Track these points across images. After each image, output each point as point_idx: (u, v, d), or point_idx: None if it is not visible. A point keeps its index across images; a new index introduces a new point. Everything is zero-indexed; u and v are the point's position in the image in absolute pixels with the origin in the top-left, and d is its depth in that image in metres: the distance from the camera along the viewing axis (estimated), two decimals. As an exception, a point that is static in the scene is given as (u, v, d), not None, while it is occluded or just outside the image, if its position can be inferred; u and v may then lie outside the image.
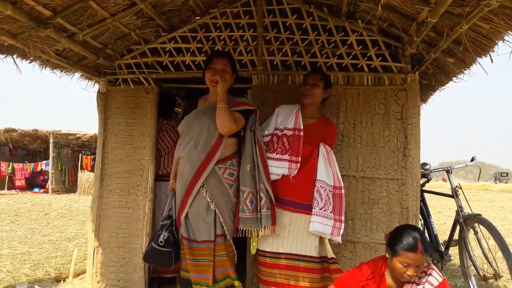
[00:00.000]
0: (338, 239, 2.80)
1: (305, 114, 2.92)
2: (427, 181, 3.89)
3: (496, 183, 36.10)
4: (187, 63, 3.47)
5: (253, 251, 2.84)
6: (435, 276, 2.23)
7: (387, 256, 2.22)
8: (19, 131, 17.47)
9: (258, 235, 2.70)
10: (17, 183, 17.96)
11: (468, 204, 3.38)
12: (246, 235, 2.65)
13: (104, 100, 3.61)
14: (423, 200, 3.87)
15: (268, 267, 2.80)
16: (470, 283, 3.31)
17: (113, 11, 2.80)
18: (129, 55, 3.52)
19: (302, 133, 2.85)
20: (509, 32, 2.25)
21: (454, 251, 3.77)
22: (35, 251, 5.49)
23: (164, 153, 3.74)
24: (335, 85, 3.23)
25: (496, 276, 3.04)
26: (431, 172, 3.81)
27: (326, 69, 3.28)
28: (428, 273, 2.24)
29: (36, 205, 11.93)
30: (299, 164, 2.80)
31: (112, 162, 3.57)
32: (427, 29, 2.49)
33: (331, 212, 2.77)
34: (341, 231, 2.80)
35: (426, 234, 3.99)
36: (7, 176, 17.91)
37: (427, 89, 3.89)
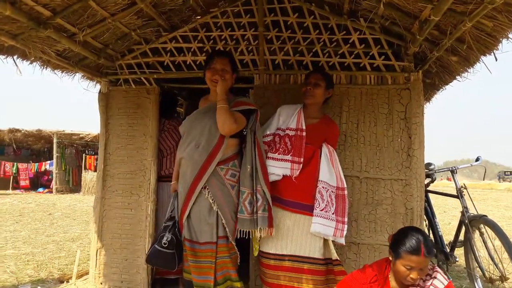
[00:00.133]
0: (342, 240, 2.76)
1: (307, 114, 2.89)
2: (432, 181, 3.85)
3: (500, 182, 35.89)
4: (188, 63, 3.45)
5: (255, 253, 2.81)
6: (440, 279, 2.19)
7: (390, 258, 2.19)
8: (23, 132, 17.56)
9: (260, 237, 2.67)
10: (22, 183, 18.03)
11: (474, 205, 3.34)
12: (247, 236, 2.62)
13: (105, 101, 3.60)
14: (427, 201, 3.83)
15: (272, 269, 2.77)
16: (476, 285, 3.28)
17: (113, 11, 2.78)
18: (130, 55, 3.51)
19: (304, 133, 2.82)
20: (514, 30, 2.21)
21: (459, 251, 3.73)
22: (38, 251, 5.49)
23: (166, 154, 3.73)
24: (337, 85, 3.20)
25: (503, 278, 3.00)
26: (435, 172, 3.77)
27: (328, 68, 3.25)
28: (433, 276, 2.21)
29: (40, 205, 11.96)
30: (301, 165, 2.77)
31: (114, 163, 3.56)
32: (430, 27, 2.46)
33: (333, 214, 2.74)
34: (344, 232, 2.76)
35: (431, 235, 3.96)
36: (12, 176, 18.00)
37: (430, 88, 3.85)
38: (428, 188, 3.84)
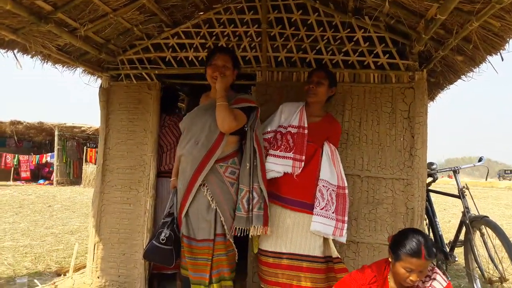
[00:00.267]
0: (342, 239, 2.75)
1: (310, 112, 2.87)
2: (433, 181, 3.83)
3: (500, 180, 35.88)
4: (190, 58, 3.42)
5: (255, 250, 2.81)
6: (439, 281, 2.18)
7: (390, 260, 2.17)
8: (24, 124, 17.56)
9: (257, 235, 2.66)
10: (23, 174, 18.07)
11: (475, 205, 3.32)
12: (245, 234, 2.60)
13: (106, 96, 3.58)
14: (428, 200, 3.81)
15: (271, 267, 2.76)
16: (475, 285, 3.27)
17: (115, 6, 2.76)
18: (132, 50, 3.48)
19: (306, 131, 2.79)
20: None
21: (458, 250, 3.72)
22: (37, 243, 5.50)
23: (167, 149, 3.71)
24: (340, 83, 3.17)
25: (502, 279, 2.99)
26: (437, 172, 3.74)
27: (332, 66, 3.22)
28: (432, 277, 2.19)
29: (40, 197, 11.98)
30: (303, 163, 2.74)
31: (114, 157, 3.54)
32: (436, 26, 2.43)
33: (333, 212, 2.72)
34: (344, 231, 2.75)
35: (431, 234, 3.95)
36: (13, 168, 18.03)
37: (434, 87, 3.82)
38: (429, 188, 3.82)
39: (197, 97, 2.91)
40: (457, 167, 3.68)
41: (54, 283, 3.49)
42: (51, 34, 2.75)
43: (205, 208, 2.57)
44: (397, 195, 3.10)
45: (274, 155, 2.79)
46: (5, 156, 17.75)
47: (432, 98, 4.29)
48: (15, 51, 2.89)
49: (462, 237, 3.56)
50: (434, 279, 2.18)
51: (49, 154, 18.07)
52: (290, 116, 2.88)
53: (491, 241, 3.04)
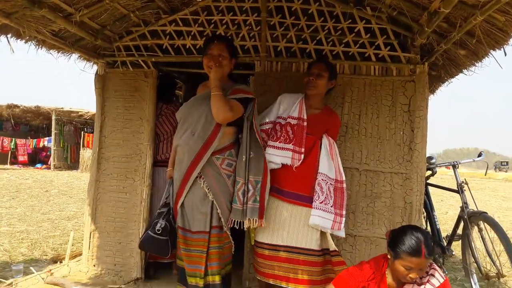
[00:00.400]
0: (341, 233, 2.73)
1: (309, 104, 2.82)
2: (432, 174, 3.81)
3: (496, 171, 36.02)
4: (187, 46, 3.35)
5: (252, 241, 2.79)
6: (437, 277, 2.17)
7: (389, 257, 2.15)
8: (21, 107, 17.46)
9: (253, 227, 2.64)
10: (20, 158, 18.03)
11: (474, 201, 3.30)
12: (241, 226, 2.58)
13: (102, 83, 3.52)
14: (427, 193, 3.80)
15: (267, 259, 2.75)
16: (472, 280, 3.26)
17: (111, -9, 2.69)
18: (128, 37, 3.41)
19: (305, 123, 2.75)
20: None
21: (455, 243, 3.71)
22: (33, 229, 5.48)
23: (163, 138, 3.67)
24: (340, 74, 3.12)
25: (499, 275, 2.98)
26: (436, 166, 3.72)
27: (332, 58, 3.16)
28: (430, 273, 2.18)
29: (37, 182, 11.96)
30: (302, 155, 2.71)
31: (110, 146, 3.51)
32: (439, 20, 2.38)
33: (331, 206, 2.70)
34: (342, 225, 2.73)
35: (428, 228, 3.94)
36: (10, 152, 17.97)
37: (435, 80, 3.77)
38: (428, 181, 3.80)
39: (195, 85, 2.86)
40: (456, 161, 3.65)
41: (50, 270, 3.48)
42: (45, 19, 2.68)
43: (199, 200, 2.54)
44: (396, 189, 3.08)
45: (274, 147, 2.76)
46: (2, 140, 17.68)
47: (432, 91, 4.25)
48: (9, 36, 2.82)
49: (459, 231, 3.55)
50: (432, 275, 2.17)
51: (47, 138, 18.00)
52: (289, 108, 2.84)
53: (489, 237, 3.03)
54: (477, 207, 3.32)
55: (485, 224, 3.04)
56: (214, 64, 2.51)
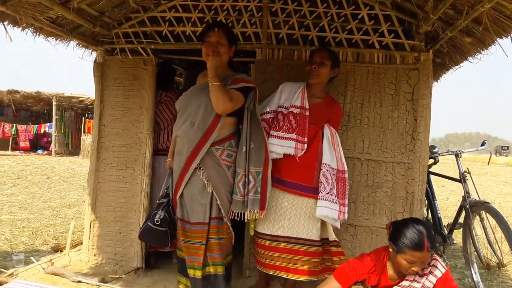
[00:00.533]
0: (337, 224, 2.72)
1: (311, 93, 2.77)
2: (435, 163, 3.78)
3: (496, 156, 36.06)
4: (187, 33, 3.29)
5: (252, 232, 2.77)
6: (439, 267, 2.16)
7: (390, 250, 2.13)
8: (22, 93, 17.40)
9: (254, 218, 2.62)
10: (22, 144, 18.04)
11: (476, 190, 3.27)
12: (242, 218, 2.55)
13: (101, 70, 3.47)
14: (428, 182, 3.77)
15: (267, 250, 2.74)
16: (472, 269, 3.25)
17: (108, -23, 2.62)
18: (127, 23, 3.35)
19: (307, 113, 2.71)
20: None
21: (456, 231, 3.70)
22: (34, 217, 5.49)
23: (164, 127, 3.63)
24: (343, 62, 3.06)
25: (500, 265, 2.97)
26: (439, 155, 3.68)
27: (335, 45, 3.10)
28: (432, 264, 2.17)
29: (38, 168, 11.97)
30: (306, 145, 2.67)
31: (109, 135, 3.47)
32: (445, 6, 2.32)
33: (335, 196, 2.68)
34: (346, 215, 2.73)
35: (429, 216, 3.93)
36: (11, 137, 17.97)
37: (440, 68, 3.71)
38: (430, 170, 3.77)
39: (195, 73, 2.80)
40: (459, 151, 3.61)
41: (51, 260, 3.47)
42: (41, 6, 2.61)
43: (198, 191, 2.51)
44: (397, 179, 3.05)
45: (276, 136, 2.72)
46: (3, 126, 17.65)
47: (436, 78, 4.19)
48: (5, 23, 2.76)
49: (461, 220, 3.53)
50: (434, 266, 2.17)
51: (48, 124, 17.96)
52: (291, 97, 2.79)
53: (491, 227, 3.01)
54: (479, 197, 3.30)
55: (487, 214, 3.01)
56: (212, 53, 2.44)
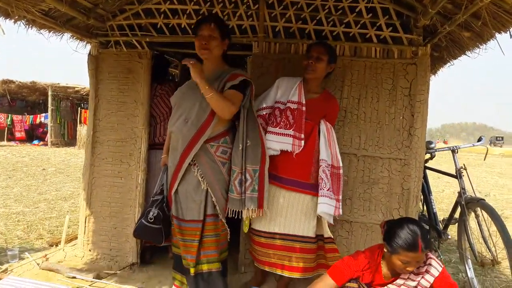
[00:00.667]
0: (331, 219, 2.71)
1: (307, 88, 2.74)
2: (431, 158, 3.77)
3: (491, 146, 36.26)
4: (183, 26, 3.24)
5: (245, 229, 2.75)
6: (435, 266, 2.16)
7: (385, 250, 2.12)
8: (17, 83, 17.22)
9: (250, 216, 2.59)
10: (17, 134, 17.97)
11: (472, 187, 3.26)
12: (239, 216, 2.54)
13: (95, 63, 3.42)
14: (424, 177, 3.75)
15: (264, 247, 2.73)
16: (466, 265, 3.26)
17: (101, -32, 2.56)
18: (122, 15, 3.29)
19: (304, 108, 2.68)
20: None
21: (451, 226, 3.70)
22: (29, 210, 5.46)
23: (159, 120, 3.59)
24: (340, 57, 3.02)
25: (494, 262, 2.97)
26: (435, 151, 3.66)
27: (332, 39, 3.06)
28: (427, 262, 2.16)
29: (34, 159, 11.91)
30: (303, 142, 2.65)
31: (104, 129, 3.43)
32: (444, 1, 2.28)
33: (331, 192, 2.67)
34: (340, 210, 2.72)
35: (425, 211, 3.92)
36: (6, 128, 17.86)
37: (437, 61, 3.68)
38: (426, 165, 3.76)
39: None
40: (455, 146, 3.60)
41: (46, 255, 3.46)
42: (33, -2, 2.56)
43: (193, 188, 2.48)
44: (394, 175, 3.04)
45: (273, 133, 2.69)
46: (-2, 116, 17.57)
47: (434, 72, 4.16)
48: (-4, 15, 2.71)
49: (456, 216, 3.53)
50: (430, 264, 2.16)
51: (43, 114, 17.87)
52: (288, 92, 2.75)
53: (486, 224, 3.00)
54: (475, 193, 3.29)
55: (482, 211, 3.01)
56: (189, 63, 2.29)
